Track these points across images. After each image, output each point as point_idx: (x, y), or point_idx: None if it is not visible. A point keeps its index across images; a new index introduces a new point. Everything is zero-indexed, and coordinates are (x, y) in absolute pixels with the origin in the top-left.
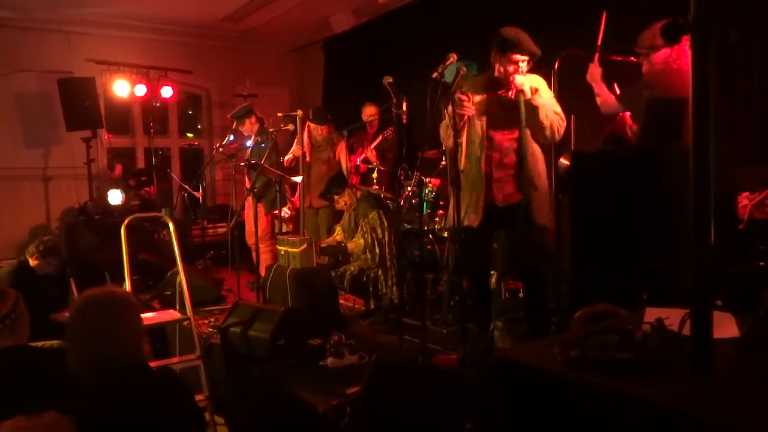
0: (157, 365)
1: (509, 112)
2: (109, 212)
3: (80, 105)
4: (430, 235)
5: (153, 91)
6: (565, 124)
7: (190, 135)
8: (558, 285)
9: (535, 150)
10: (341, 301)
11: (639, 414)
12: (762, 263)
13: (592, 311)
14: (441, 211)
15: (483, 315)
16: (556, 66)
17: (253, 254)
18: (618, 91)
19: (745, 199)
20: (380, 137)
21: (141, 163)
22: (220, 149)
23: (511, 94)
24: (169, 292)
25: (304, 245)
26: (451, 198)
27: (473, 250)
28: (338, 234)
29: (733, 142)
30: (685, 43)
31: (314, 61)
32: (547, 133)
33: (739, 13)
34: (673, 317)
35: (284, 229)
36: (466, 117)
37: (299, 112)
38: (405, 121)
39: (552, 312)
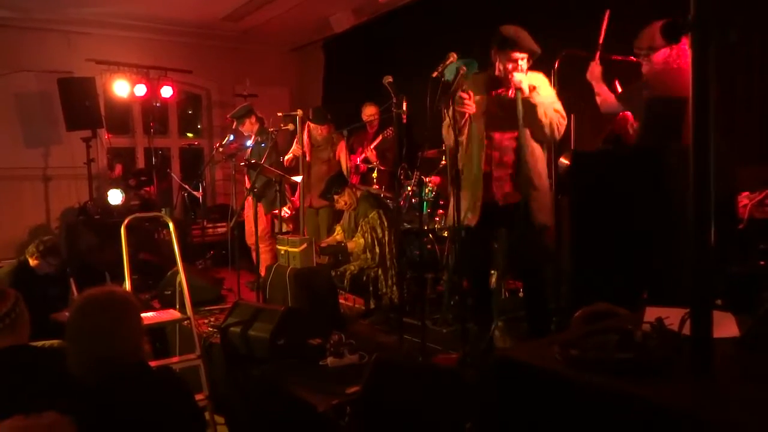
0: (157, 365)
1: (509, 111)
2: (109, 212)
3: (80, 105)
4: (430, 235)
5: (153, 90)
6: (565, 122)
7: (190, 135)
8: (558, 284)
9: (536, 149)
10: (341, 301)
11: (639, 414)
12: (762, 263)
13: (592, 311)
14: (441, 211)
15: (483, 315)
16: (556, 65)
17: (253, 254)
18: (619, 89)
19: (745, 199)
20: (380, 137)
21: (141, 163)
22: (220, 149)
23: (510, 93)
24: (169, 292)
25: (304, 245)
26: (451, 197)
27: (473, 249)
28: (338, 234)
29: (733, 141)
30: (685, 42)
31: (314, 60)
32: (546, 131)
33: (739, 13)
34: (673, 317)
35: (284, 228)
36: (467, 115)
37: (299, 112)
38: (405, 120)
39: (552, 311)
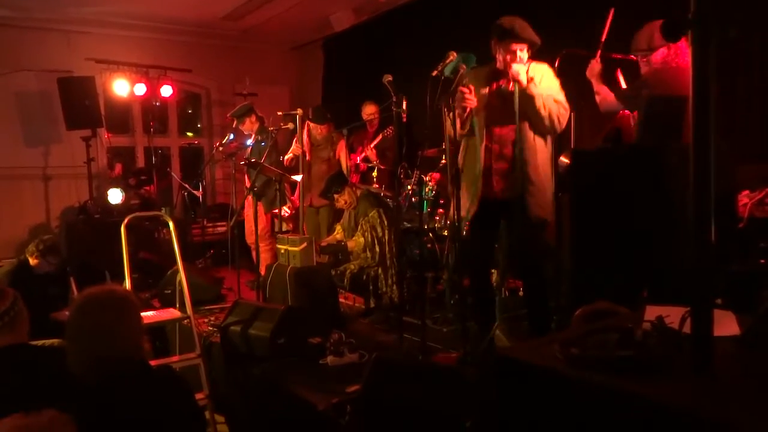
0: (157, 364)
1: (508, 103)
2: (109, 211)
3: (80, 104)
4: (430, 234)
5: (153, 90)
6: (568, 113)
7: (189, 134)
8: (558, 283)
9: (536, 142)
10: (341, 300)
11: (639, 412)
12: (762, 261)
13: (593, 309)
14: (441, 210)
15: (484, 314)
16: (556, 64)
17: (253, 253)
18: (623, 84)
19: (745, 198)
20: (380, 136)
21: (141, 162)
22: (220, 148)
23: (510, 85)
24: (169, 291)
25: (304, 244)
26: (452, 196)
27: (474, 248)
28: (338, 233)
29: (733, 140)
30: (683, 41)
31: (314, 59)
32: (546, 122)
33: (739, 11)
34: (673, 315)
35: (284, 227)
36: (468, 109)
37: (299, 111)
38: (405, 119)
39: (552, 310)
